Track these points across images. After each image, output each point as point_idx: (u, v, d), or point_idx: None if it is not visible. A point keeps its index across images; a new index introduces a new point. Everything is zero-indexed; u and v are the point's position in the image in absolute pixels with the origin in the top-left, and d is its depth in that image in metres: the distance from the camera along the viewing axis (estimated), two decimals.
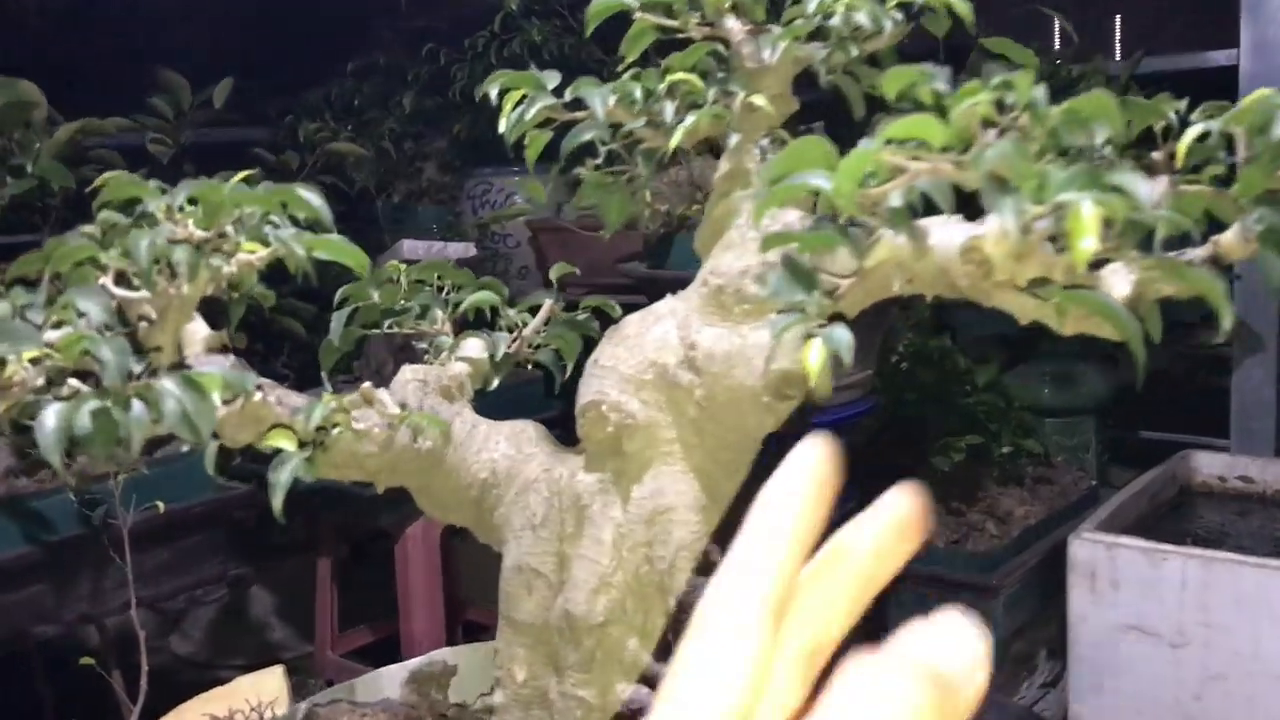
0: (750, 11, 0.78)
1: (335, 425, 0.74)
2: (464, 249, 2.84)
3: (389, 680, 1.05)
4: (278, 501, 0.73)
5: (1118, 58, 3.04)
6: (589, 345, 0.90)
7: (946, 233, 0.65)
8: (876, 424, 2.54)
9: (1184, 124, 0.66)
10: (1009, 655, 2.58)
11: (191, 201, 0.67)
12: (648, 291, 2.22)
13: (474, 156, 3.39)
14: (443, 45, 3.36)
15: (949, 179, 0.51)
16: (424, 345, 0.92)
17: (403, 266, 0.96)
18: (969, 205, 0.69)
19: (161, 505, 1.96)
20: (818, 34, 0.78)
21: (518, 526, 0.85)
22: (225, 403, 0.69)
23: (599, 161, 0.85)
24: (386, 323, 0.93)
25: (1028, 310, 0.62)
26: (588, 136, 0.82)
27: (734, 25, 0.79)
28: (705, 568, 0.79)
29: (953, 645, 0.30)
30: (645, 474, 0.81)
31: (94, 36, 3.92)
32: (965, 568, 2.49)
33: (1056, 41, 3.23)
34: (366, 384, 0.79)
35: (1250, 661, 2.26)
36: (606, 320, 0.89)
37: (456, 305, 0.93)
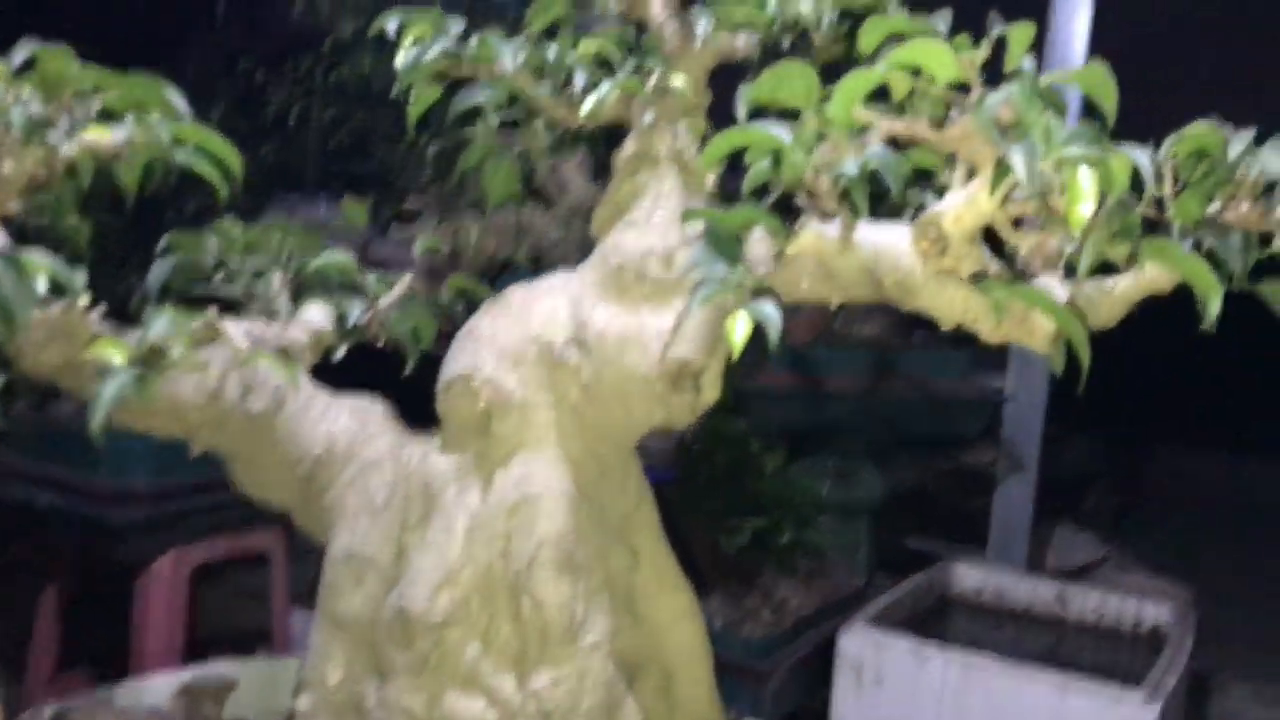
0: None
1: (174, 348, 0.63)
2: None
3: (156, 691, 0.91)
4: (99, 418, 0.61)
5: None
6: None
7: (873, 230, 0.62)
8: (674, 496, 2.52)
9: None
10: None
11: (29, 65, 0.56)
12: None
13: (280, 182, 3.24)
14: (260, 66, 3.22)
15: (924, 142, 0.48)
16: (256, 309, 0.82)
17: (239, 223, 0.86)
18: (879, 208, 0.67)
19: None
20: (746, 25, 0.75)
21: (352, 510, 0.76)
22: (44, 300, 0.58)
23: (492, 124, 0.78)
24: (217, 278, 0.82)
25: (956, 308, 0.59)
26: (482, 98, 0.76)
27: (657, 5, 0.75)
28: (568, 567, 0.72)
29: None
30: (513, 459, 0.74)
31: None
32: (741, 651, 2.48)
33: None
34: (212, 310, 0.69)
35: None
36: (473, 307, 0.82)
37: (300, 270, 0.83)
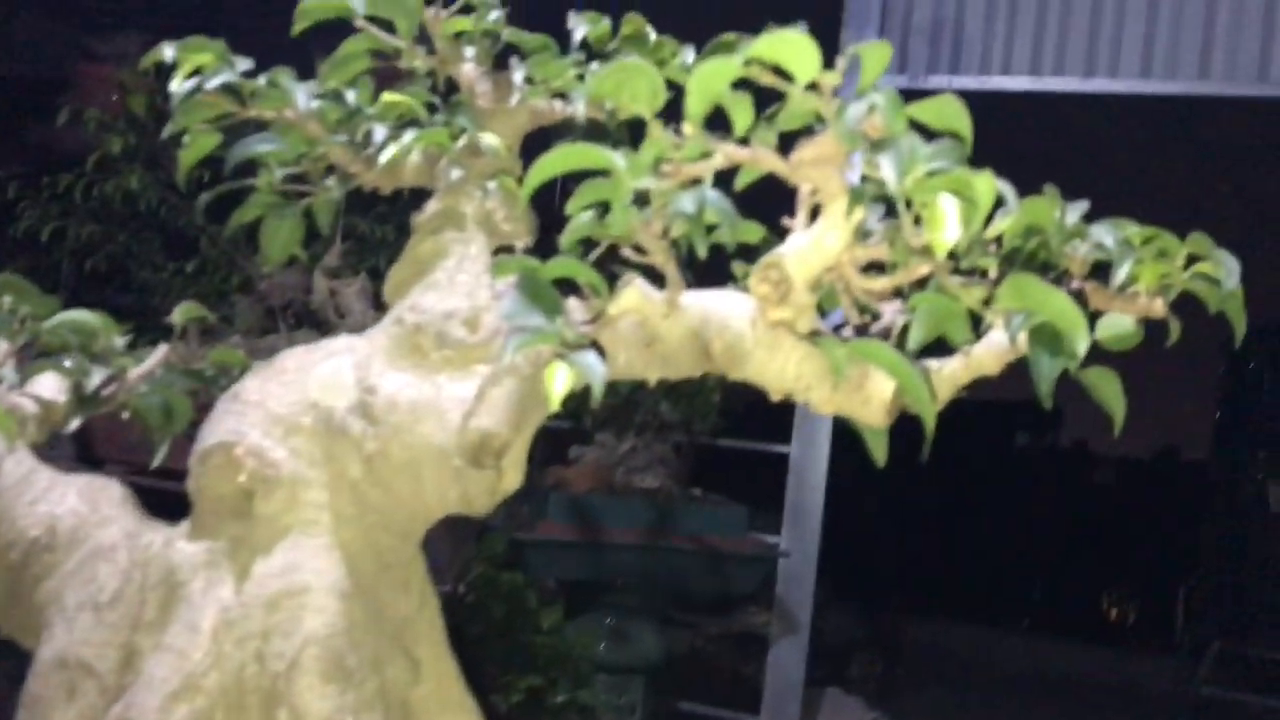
0: (485, 51, 0.70)
1: None
2: None
3: None
4: None
5: None
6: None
7: (701, 293, 0.58)
8: None
9: None
10: None
11: None
12: None
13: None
14: (14, 180, 3.00)
15: (770, 170, 0.44)
16: None
17: None
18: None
19: None
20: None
21: (73, 605, 0.62)
22: None
23: (276, 177, 0.70)
24: None
25: (788, 374, 0.54)
26: (265, 148, 0.68)
27: (469, 62, 0.70)
28: (336, 674, 0.61)
29: None
30: (277, 544, 0.63)
31: None
32: None
33: None
34: None
35: None
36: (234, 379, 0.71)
37: (34, 334, 0.71)
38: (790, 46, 0.41)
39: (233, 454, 0.62)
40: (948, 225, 0.42)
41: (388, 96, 0.69)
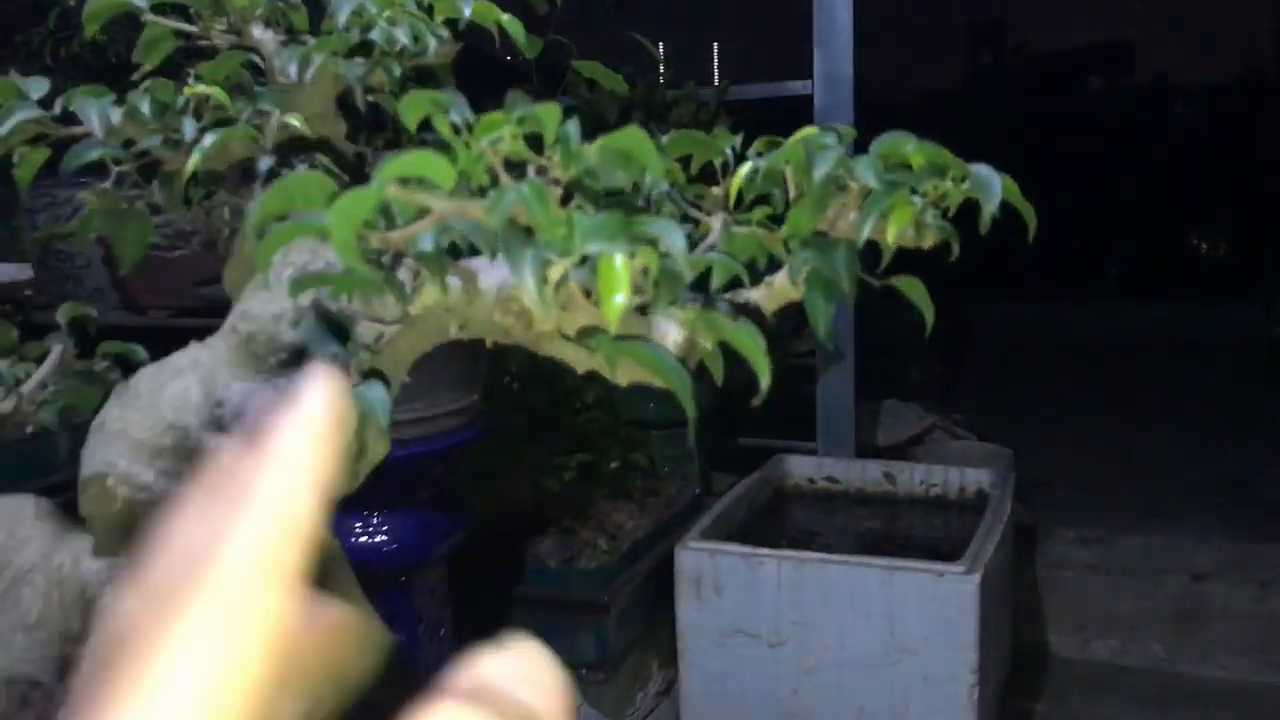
0: (288, 20, 0.69)
1: None
2: (17, 271, 2.50)
3: None
4: None
5: (716, 83, 3.18)
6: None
7: (498, 276, 0.59)
8: (487, 449, 2.48)
9: (740, 160, 0.64)
10: (623, 669, 2.61)
11: None
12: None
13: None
14: None
15: (481, 223, 0.45)
16: None
17: None
18: None
19: None
20: (362, 50, 0.69)
21: (6, 629, 0.70)
22: None
23: (108, 185, 0.71)
24: None
25: (581, 361, 0.57)
26: (93, 155, 0.69)
27: (263, 35, 0.69)
28: None
29: (531, 677, 0.25)
30: None
31: None
32: (578, 586, 2.50)
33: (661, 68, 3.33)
34: None
35: (838, 653, 2.41)
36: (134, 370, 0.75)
37: None
38: (427, 163, 0.41)
39: (105, 484, 0.67)
40: (618, 290, 0.43)
41: (189, 89, 0.68)
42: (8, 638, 0.70)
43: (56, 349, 0.78)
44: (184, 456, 0.68)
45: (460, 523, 2.34)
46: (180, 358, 0.70)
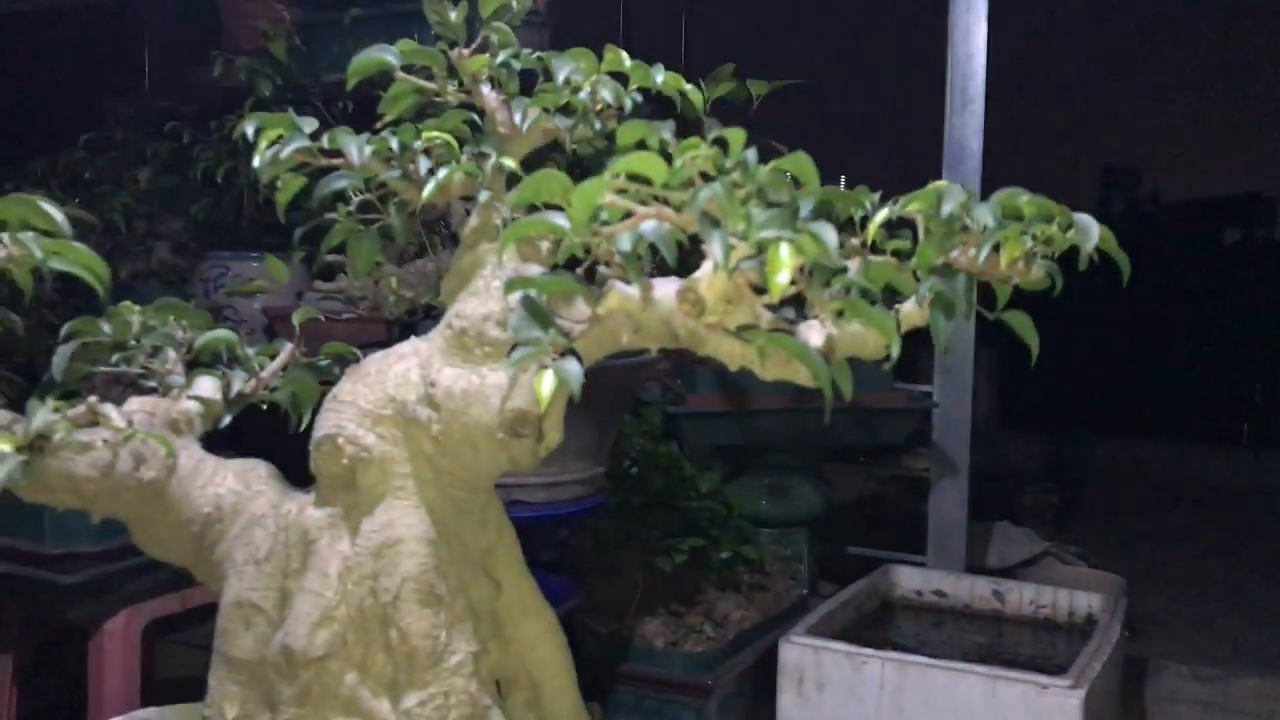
0: (505, 83, 0.85)
1: (56, 433, 0.71)
2: None
3: None
4: None
5: None
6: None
7: (668, 286, 0.72)
8: (605, 523, 2.60)
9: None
10: None
11: None
12: None
13: (211, 239, 3.30)
14: (187, 125, 3.27)
15: (670, 223, 0.58)
16: (154, 384, 0.91)
17: (135, 306, 0.94)
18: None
19: None
20: (566, 108, 0.85)
21: (240, 561, 0.84)
22: None
23: (351, 208, 0.88)
24: (114, 358, 0.90)
25: (735, 356, 0.69)
26: (341, 185, 0.85)
27: (489, 94, 0.85)
28: (430, 600, 0.81)
29: None
30: (377, 507, 0.82)
31: None
32: (683, 668, 2.56)
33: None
34: (92, 398, 0.78)
35: None
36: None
37: (191, 345, 0.92)
38: (646, 162, 0.55)
39: (336, 443, 0.81)
40: (781, 269, 0.55)
41: (426, 133, 0.84)
42: (241, 568, 0.84)
43: (287, 346, 0.93)
44: (399, 425, 0.82)
45: (575, 591, 2.44)
46: (404, 346, 0.85)
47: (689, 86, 0.83)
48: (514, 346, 0.72)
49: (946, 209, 0.65)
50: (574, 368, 0.67)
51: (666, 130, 0.60)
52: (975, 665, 2.49)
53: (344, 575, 0.83)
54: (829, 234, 0.56)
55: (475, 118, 0.89)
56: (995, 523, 4.03)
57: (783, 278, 0.55)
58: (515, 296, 0.72)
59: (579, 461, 2.20)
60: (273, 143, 0.84)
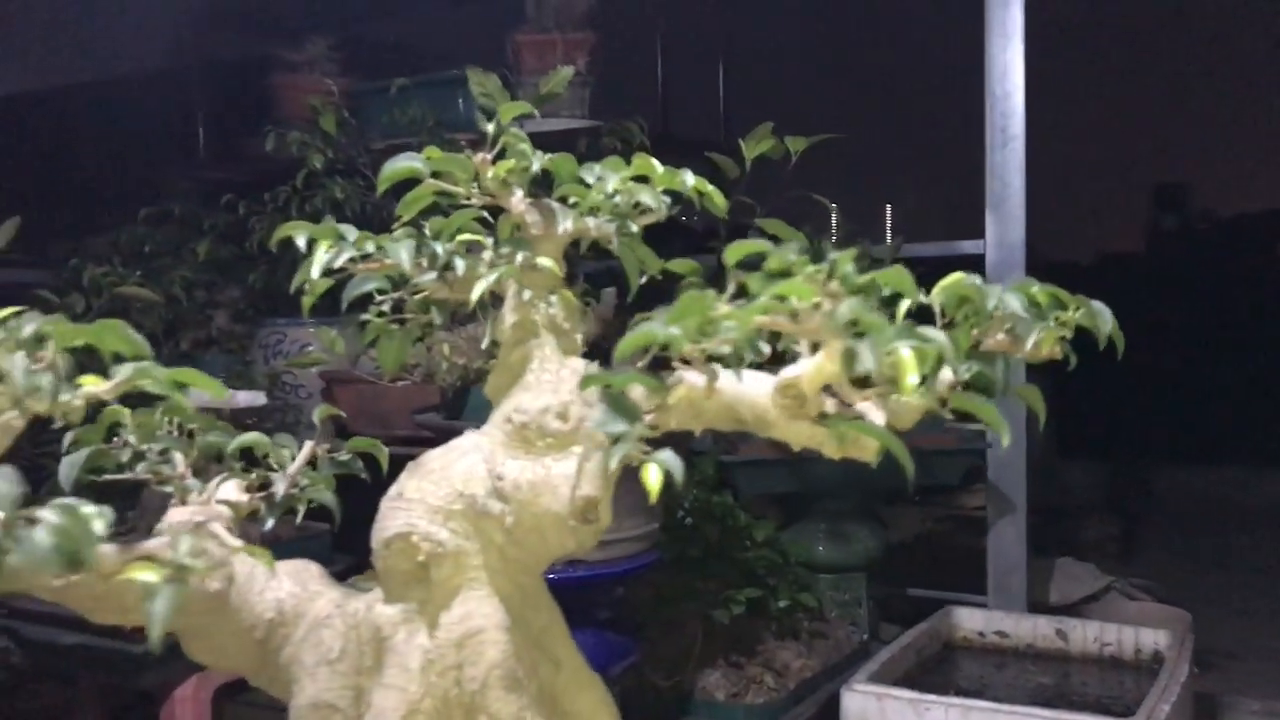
0: (525, 187, 0.90)
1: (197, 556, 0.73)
2: (252, 398, 2.81)
3: None
4: (157, 633, 0.69)
5: (887, 241, 3.35)
6: (358, 486, 0.93)
7: (732, 378, 0.76)
8: (661, 577, 2.61)
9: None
10: None
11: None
12: (444, 442, 2.24)
13: (268, 307, 3.38)
14: (242, 197, 3.37)
15: (797, 333, 0.63)
16: (169, 489, 0.90)
17: (127, 411, 0.92)
18: None
19: None
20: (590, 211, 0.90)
21: (311, 664, 0.87)
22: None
23: (383, 308, 0.92)
24: (129, 465, 0.90)
25: (803, 437, 0.73)
26: (369, 287, 0.90)
27: (517, 199, 0.89)
28: (514, 685, 0.84)
29: None
30: (454, 600, 0.86)
31: None
32: None
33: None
34: (217, 525, 0.80)
35: None
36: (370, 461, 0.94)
37: (211, 447, 0.93)
38: (797, 289, 0.60)
39: (411, 540, 0.85)
40: (912, 372, 0.60)
41: (460, 238, 0.89)
42: (313, 670, 0.87)
43: (308, 444, 0.96)
44: (470, 519, 0.86)
45: (634, 647, 2.45)
46: (462, 442, 0.88)
47: (711, 189, 0.88)
48: (579, 436, 0.76)
49: (990, 304, 0.70)
50: (674, 459, 0.72)
51: (796, 246, 0.66)
52: (1041, 709, 2.46)
53: (426, 668, 0.86)
54: (942, 338, 0.62)
55: (485, 214, 0.94)
56: (1056, 558, 3.98)
57: (913, 379, 0.60)
58: (590, 391, 0.76)
59: (633, 519, 2.23)
60: (326, 249, 0.88)
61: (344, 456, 0.97)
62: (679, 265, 0.81)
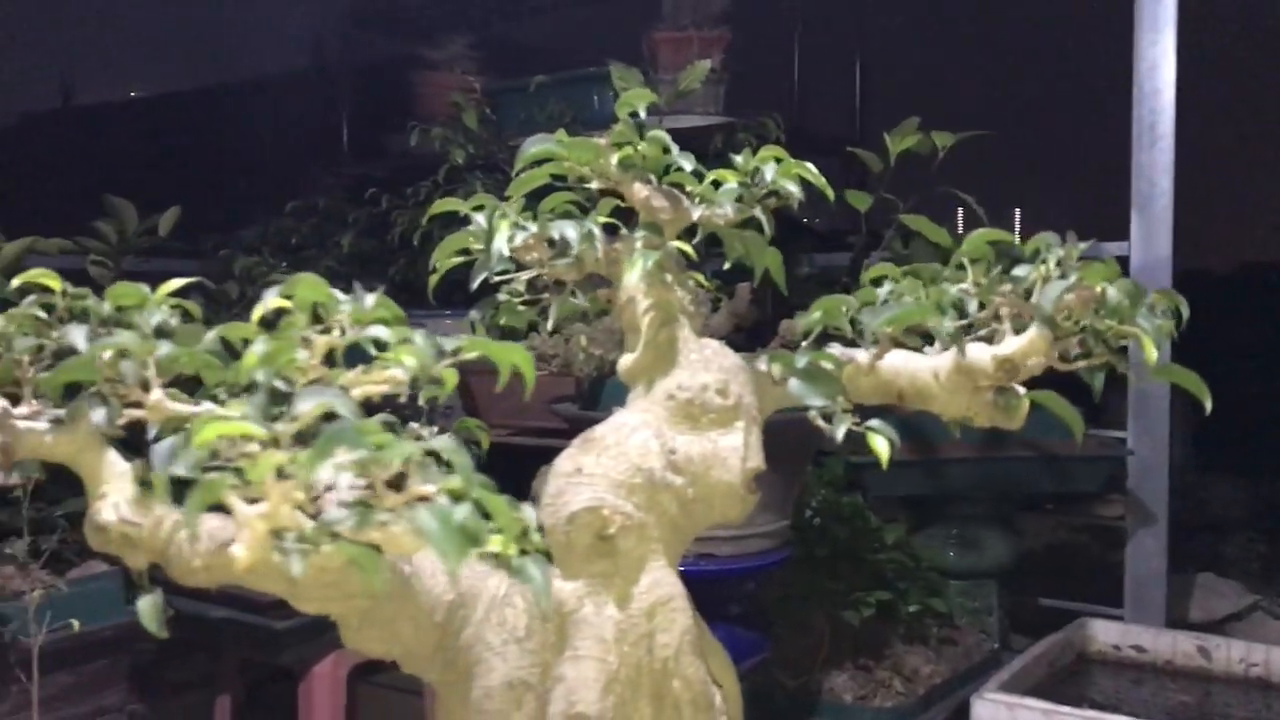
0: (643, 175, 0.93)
1: None
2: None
3: None
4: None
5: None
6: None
7: (892, 358, 0.77)
8: (790, 576, 2.60)
9: None
10: None
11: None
12: (580, 432, 2.28)
13: (408, 299, 3.46)
14: (384, 192, 3.46)
15: (1020, 308, 0.66)
16: None
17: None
18: None
19: (76, 624, 1.92)
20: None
21: (498, 643, 0.89)
22: None
23: (521, 293, 0.96)
24: None
25: (960, 409, 0.75)
26: (496, 269, 0.94)
27: (642, 186, 0.92)
28: (698, 650, 0.87)
29: None
30: (639, 571, 0.89)
31: (39, 163, 3.97)
32: None
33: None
34: None
35: None
36: None
37: None
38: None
39: (601, 514, 0.88)
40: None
41: (599, 218, 0.92)
42: (500, 649, 0.89)
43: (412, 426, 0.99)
44: (647, 492, 0.88)
45: (765, 644, 2.45)
46: (628, 418, 0.92)
47: (823, 181, 0.92)
48: (739, 411, 0.77)
49: (1113, 296, 0.72)
50: (888, 428, 0.75)
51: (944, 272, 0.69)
52: None
53: (620, 638, 0.89)
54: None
55: (582, 202, 0.97)
56: (1197, 574, 3.85)
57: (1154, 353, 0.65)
58: (745, 370, 0.78)
59: (765, 514, 2.22)
60: (511, 229, 0.91)
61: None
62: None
